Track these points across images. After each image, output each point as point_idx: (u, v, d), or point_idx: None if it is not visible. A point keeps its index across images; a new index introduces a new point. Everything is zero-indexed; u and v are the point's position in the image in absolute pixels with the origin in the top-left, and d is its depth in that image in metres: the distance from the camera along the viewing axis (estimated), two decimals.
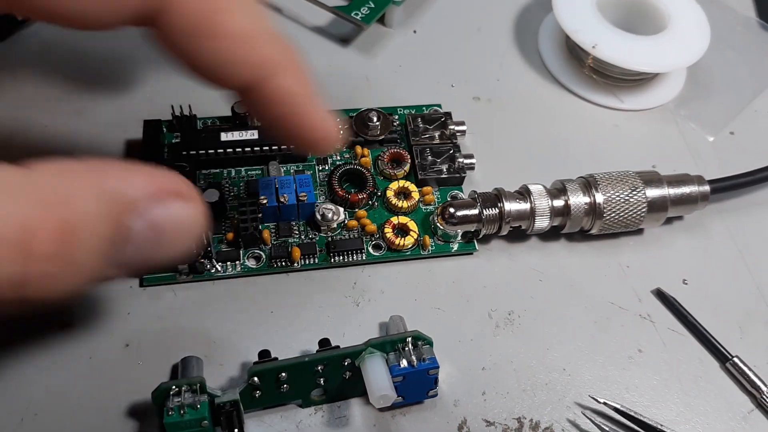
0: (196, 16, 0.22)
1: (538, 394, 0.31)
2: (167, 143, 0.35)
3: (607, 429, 0.30)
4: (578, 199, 0.33)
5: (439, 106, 0.39)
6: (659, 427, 0.30)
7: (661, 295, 0.34)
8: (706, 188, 0.35)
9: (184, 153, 0.34)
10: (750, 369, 0.32)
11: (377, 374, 0.27)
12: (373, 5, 0.41)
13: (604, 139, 0.40)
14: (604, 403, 0.30)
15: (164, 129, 0.35)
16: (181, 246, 0.22)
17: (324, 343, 0.29)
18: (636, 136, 0.41)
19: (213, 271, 0.32)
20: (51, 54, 0.40)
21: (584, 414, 0.30)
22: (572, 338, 0.32)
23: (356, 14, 0.40)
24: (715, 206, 0.37)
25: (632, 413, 0.30)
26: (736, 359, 0.32)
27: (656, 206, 0.34)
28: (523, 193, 0.33)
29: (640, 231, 0.36)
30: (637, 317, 0.33)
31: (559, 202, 0.33)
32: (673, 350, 0.33)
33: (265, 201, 0.32)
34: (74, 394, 0.29)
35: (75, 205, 0.19)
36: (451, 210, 0.32)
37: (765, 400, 0.31)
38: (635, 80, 0.42)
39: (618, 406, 0.30)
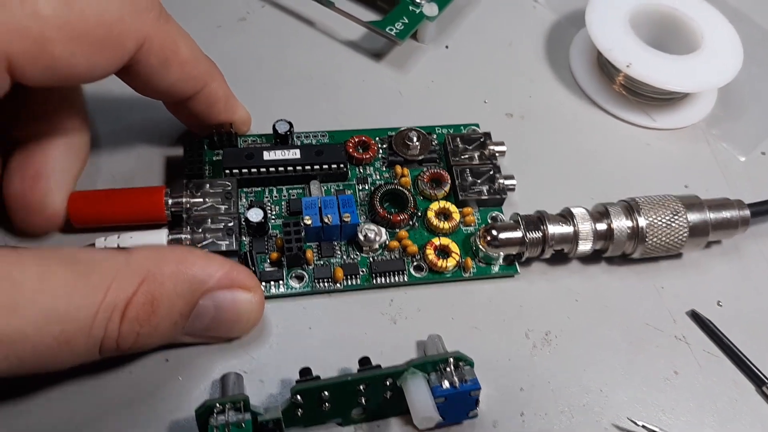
0: (163, 53, 0.29)
1: (576, 416, 0.31)
2: (208, 160, 0.35)
3: None
4: (621, 223, 0.33)
5: (477, 125, 0.39)
6: None
7: (696, 317, 0.34)
8: (747, 213, 0.35)
9: (227, 171, 0.34)
10: None
11: (420, 395, 0.27)
12: (407, 21, 0.41)
13: (637, 157, 0.40)
14: (643, 426, 0.30)
15: (205, 146, 0.35)
16: (242, 326, 0.30)
17: (364, 361, 0.29)
18: (668, 156, 0.41)
19: None
20: None
21: None
22: (608, 359, 0.32)
23: (390, 29, 0.41)
24: (751, 229, 0.37)
25: None
26: None
27: (698, 231, 0.34)
28: (566, 216, 0.33)
29: (677, 255, 0.36)
30: (672, 339, 0.33)
31: (602, 226, 0.33)
32: (708, 372, 0.33)
33: (309, 222, 0.32)
34: (115, 409, 0.29)
35: (162, 284, 0.26)
36: (494, 232, 0.32)
37: None
38: (666, 99, 0.42)
39: (656, 429, 0.30)
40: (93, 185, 0.34)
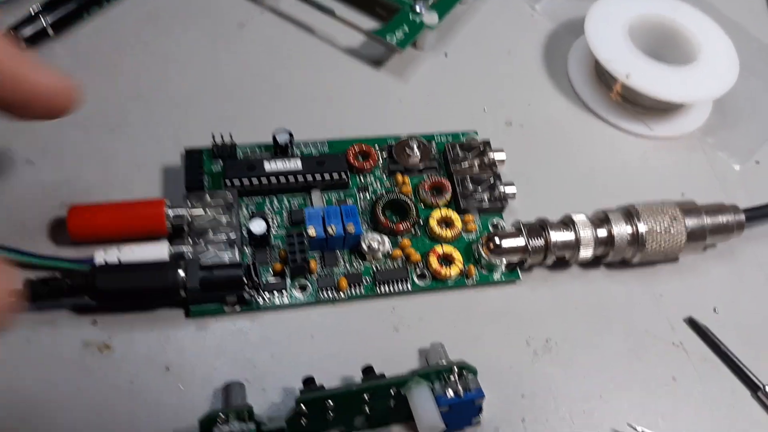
0: None
1: (577, 422, 0.31)
2: (207, 171, 0.35)
3: None
4: (621, 229, 0.34)
5: (476, 132, 0.39)
6: None
7: (693, 324, 0.35)
8: (742, 217, 0.36)
9: (227, 183, 0.34)
10: None
11: (425, 404, 0.27)
12: (407, 29, 0.41)
13: (634, 166, 0.41)
14: (642, 431, 0.31)
15: (204, 157, 0.35)
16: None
17: (368, 371, 0.29)
18: (664, 164, 0.41)
19: (261, 302, 0.32)
20: (81, 68, 0.40)
21: None
22: (608, 366, 0.33)
23: (391, 38, 0.41)
24: (745, 233, 0.37)
25: None
26: (767, 388, 0.33)
27: (695, 236, 0.35)
28: (567, 223, 0.34)
29: (675, 259, 0.36)
30: (670, 345, 0.34)
31: (602, 232, 0.34)
32: (705, 379, 0.33)
33: (313, 233, 0.32)
34: (115, 418, 0.29)
35: None
36: (497, 240, 0.32)
37: None
38: (663, 109, 0.42)
39: None
40: (91, 197, 0.34)
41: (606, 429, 0.31)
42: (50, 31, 0.40)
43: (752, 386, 0.33)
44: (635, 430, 0.31)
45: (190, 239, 0.32)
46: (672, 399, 0.32)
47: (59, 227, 0.33)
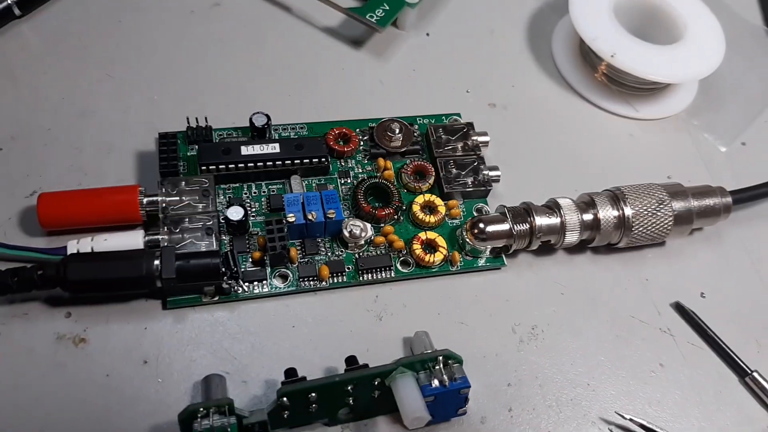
0: None
1: (564, 410, 0.31)
2: (182, 156, 0.34)
3: None
4: (607, 213, 0.33)
5: (459, 115, 0.38)
6: None
7: (680, 309, 0.34)
8: (729, 200, 0.35)
9: (203, 167, 0.32)
10: None
11: (410, 395, 0.27)
12: (387, 7, 0.40)
13: (620, 148, 0.40)
14: (630, 420, 0.30)
15: (179, 141, 0.34)
16: None
17: (351, 361, 0.28)
18: (650, 146, 0.41)
19: (240, 291, 0.31)
20: (50, 49, 0.38)
21: (610, 430, 0.30)
22: (595, 352, 0.32)
23: (371, 16, 0.40)
24: (731, 216, 0.37)
25: (657, 430, 0.30)
26: (755, 374, 0.32)
27: (682, 219, 0.34)
28: (552, 207, 0.33)
29: (661, 243, 0.36)
30: (657, 331, 0.34)
31: (588, 216, 0.33)
32: (693, 364, 0.33)
33: (293, 219, 0.31)
34: (92, 413, 0.28)
35: None
36: (481, 226, 0.32)
37: None
38: (649, 89, 0.42)
39: (644, 423, 0.30)
40: (62, 185, 0.33)
41: (594, 417, 0.31)
42: (17, 11, 0.39)
43: (740, 372, 0.33)
44: (623, 418, 0.30)
45: (165, 227, 0.31)
46: (660, 385, 0.32)
47: (30, 216, 0.32)
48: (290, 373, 0.28)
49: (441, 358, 0.28)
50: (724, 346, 0.33)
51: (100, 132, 0.36)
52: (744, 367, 0.33)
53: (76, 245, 0.30)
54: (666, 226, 0.34)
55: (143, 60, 0.39)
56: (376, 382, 0.27)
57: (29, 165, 0.34)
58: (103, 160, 0.35)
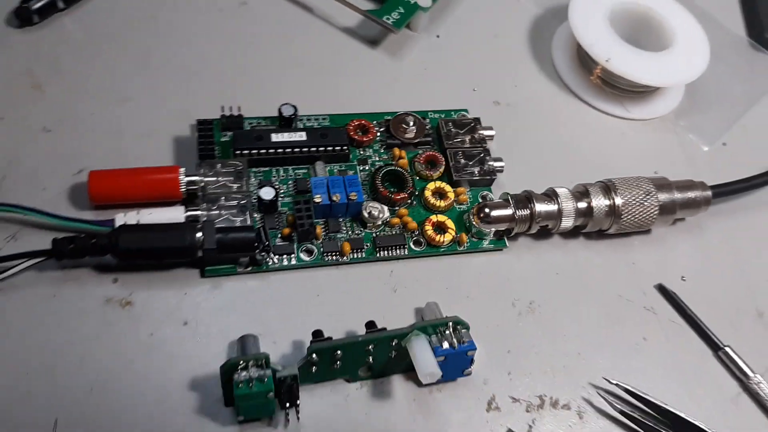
0: None
1: (557, 376, 0.34)
2: (217, 141, 0.37)
3: (618, 407, 0.33)
4: (600, 202, 0.37)
5: (466, 110, 0.42)
6: (663, 406, 0.33)
7: (662, 290, 0.38)
8: (709, 193, 0.39)
9: (237, 152, 0.36)
10: (739, 357, 0.36)
11: (424, 354, 0.30)
12: (402, 10, 0.44)
13: (612, 144, 0.44)
14: (616, 384, 0.34)
15: (215, 129, 0.37)
16: None
17: (371, 325, 0.32)
18: (640, 144, 0.44)
19: (270, 263, 0.34)
20: (92, 41, 0.42)
21: (598, 393, 0.34)
22: (586, 327, 0.36)
23: (387, 18, 0.43)
24: (711, 209, 0.41)
25: (640, 393, 0.33)
26: (727, 348, 0.36)
27: (666, 209, 0.38)
28: (551, 195, 0.37)
29: (647, 231, 0.40)
30: (642, 309, 0.37)
31: (582, 204, 0.37)
32: (673, 340, 0.36)
33: (319, 200, 0.34)
34: (136, 368, 0.31)
35: None
36: (487, 210, 0.35)
37: (751, 386, 0.35)
38: (640, 92, 0.45)
39: (628, 387, 0.33)
40: (106, 164, 0.36)
41: (584, 383, 0.34)
42: (60, 4, 0.42)
43: (714, 346, 0.36)
44: (610, 383, 0.34)
45: (204, 204, 0.34)
46: (643, 357, 0.35)
47: (76, 192, 0.35)
48: (317, 333, 0.31)
49: (451, 323, 0.31)
50: (700, 323, 0.37)
51: (139, 118, 0.39)
52: (717, 342, 0.36)
53: (124, 218, 0.33)
54: (652, 215, 0.38)
55: (179, 53, 0.42)
56: (393, 343, 0.31)
57: (75, 146, 0.37)
58: (142, 143, 0.38)
